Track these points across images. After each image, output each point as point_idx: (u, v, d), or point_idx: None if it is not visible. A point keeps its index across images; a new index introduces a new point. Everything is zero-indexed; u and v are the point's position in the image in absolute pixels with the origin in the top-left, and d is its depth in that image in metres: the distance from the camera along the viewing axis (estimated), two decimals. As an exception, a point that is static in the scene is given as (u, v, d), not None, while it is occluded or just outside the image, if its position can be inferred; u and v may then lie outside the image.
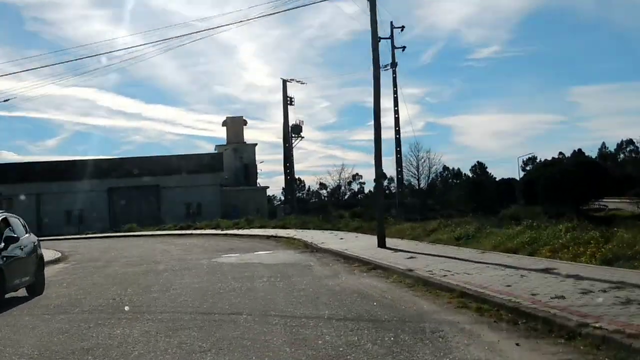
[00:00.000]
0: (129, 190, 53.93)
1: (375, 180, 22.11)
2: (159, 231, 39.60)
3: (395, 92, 46.66)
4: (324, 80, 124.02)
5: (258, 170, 69.86)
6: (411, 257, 12.58)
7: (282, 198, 77.77)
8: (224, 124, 70.86)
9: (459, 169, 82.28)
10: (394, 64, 44.73)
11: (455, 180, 78.01)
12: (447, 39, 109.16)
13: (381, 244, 15.89)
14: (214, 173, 56.42)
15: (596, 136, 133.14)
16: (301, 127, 59.64)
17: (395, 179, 54.06)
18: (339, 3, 72.41)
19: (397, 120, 47.03)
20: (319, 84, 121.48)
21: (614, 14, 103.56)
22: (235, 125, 69.49)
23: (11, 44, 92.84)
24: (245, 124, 71.41)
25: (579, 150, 69.66)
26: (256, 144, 69.78)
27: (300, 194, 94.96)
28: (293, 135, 58.14)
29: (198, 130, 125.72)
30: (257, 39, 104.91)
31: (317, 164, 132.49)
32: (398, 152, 47.36)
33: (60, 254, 22.42)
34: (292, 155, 57.66)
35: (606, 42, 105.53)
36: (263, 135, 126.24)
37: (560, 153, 74.93)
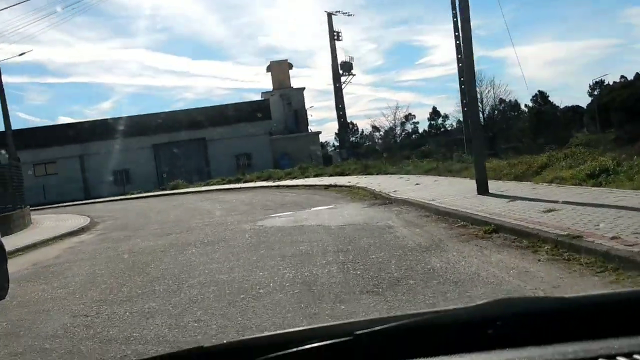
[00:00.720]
0: (175, 145, 50.96)
1: (467, 102, 17.71)
2: (206, 187, 36.34)
3: (454, 17, 41.32)
4: (369, 22, 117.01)
5: (308, 116, 65.81)
6: (548, 210, 8.29)
7: (336, 144, 73.82)
8: (269, 69, 66.67)
9: (516, 101, 75.55)
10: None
11: (513, 113, 72.09)
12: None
13: (482, 190, 11.63)
14: (262, 121, 52.60)
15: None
16: (351, 64, 54.99)
17: (462, 112, 49.01)
18: None
19: (458, 47, 41.69)
20: (363, 26, 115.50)
21: None
22: (280, 69, 65.15)
23: (60, 13, 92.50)
24: (291, 68, 66.92)
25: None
26: (304, 88, 65.41)
27: (354, 138, 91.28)
28: (343, 73, 53.54)
29: (246, 83, 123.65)
30: None
31: (366, 108, 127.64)
32: (462, 82, 42.27)
33: (88, 221, 19.16)
34: (343, 96, 53.28)
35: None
36: (310, 82, 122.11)
37: (623, 77, 67.45)
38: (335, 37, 51.13)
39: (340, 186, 20.48)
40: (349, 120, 71.74)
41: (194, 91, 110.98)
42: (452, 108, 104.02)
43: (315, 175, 29.98)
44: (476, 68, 13.78)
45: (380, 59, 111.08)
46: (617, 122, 53.81)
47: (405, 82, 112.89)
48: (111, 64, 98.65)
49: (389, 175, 22.23)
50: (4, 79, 25.21)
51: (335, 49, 51.03)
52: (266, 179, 34.48)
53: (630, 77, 65.22)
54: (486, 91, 47.25)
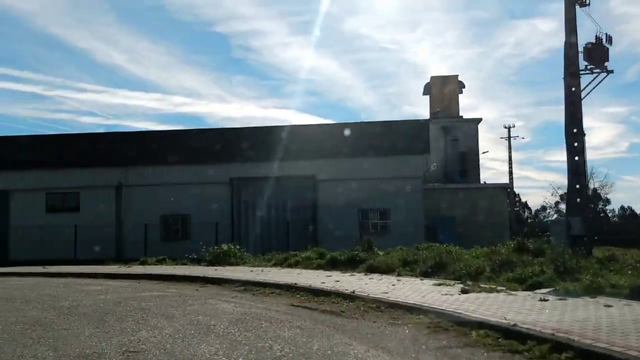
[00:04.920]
0: (261, 183, 30.65)
1: None
2: (288, 269, 15.29)
3: None
4: (518, 99, 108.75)
5: (481, 162, 43.01)
6: None
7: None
8: (427, 89, 45.33)
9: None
10: None
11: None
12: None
13: None
14: (412, 156, 30.74)
15: None
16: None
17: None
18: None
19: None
20: (511, 103, 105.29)
21: None
22: (445, 88, 43.46)
23: (220, 70, 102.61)
24: (463, 87, 44.92)
25: None
26: (479, 120, 42.84)
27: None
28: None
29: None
30: (448, 59, 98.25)
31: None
32: None
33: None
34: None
35: None
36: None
37: None
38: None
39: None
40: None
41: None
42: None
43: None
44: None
45: (527, 136, 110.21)
46: None
47: (553, 162, 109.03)
48: (261, 121, 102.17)
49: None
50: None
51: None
52: (425, 274, 12.41)
53: None
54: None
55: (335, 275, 13.84)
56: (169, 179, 30.89)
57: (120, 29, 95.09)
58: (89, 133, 34.24)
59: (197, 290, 12.83)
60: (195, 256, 19.87)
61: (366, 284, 11.81)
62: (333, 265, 15.45)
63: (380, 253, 16.27)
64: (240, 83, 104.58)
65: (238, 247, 19.73)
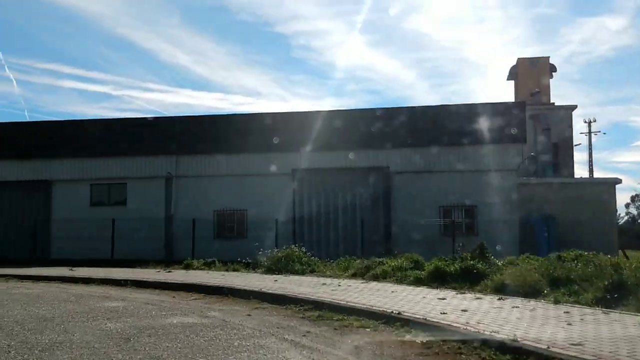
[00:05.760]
0: (326, 174, 26.60)
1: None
2: (374, 283, 11.06)
3: None
4: (583, 99, 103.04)
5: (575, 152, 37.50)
6: None
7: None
8: (512, 73, 40.16)
9: None
10: None
11: None
12: None
13: None
14: (505, 145, 25.94)
15: None
16: None
17: None
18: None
19: None
20: (575, 102, 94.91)
21: None
22: (534, 71, 38.23)
23: (280, 70, 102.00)
24: (554, 71, 39.54)
25: None
26: (574, 107, 37.39)
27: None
28: None
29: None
30: (511, 56, 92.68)
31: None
32: None
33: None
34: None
35: None
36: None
37: None
38: None
39: None
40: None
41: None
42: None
43: None
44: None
45: (592, 137, 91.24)
46: None
47: (619, 163, 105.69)
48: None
49: None
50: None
51: None
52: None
53: None
54: None
55: (451, 296, 9.58)
56: (224, 170, 27.23)
57: (184, 30, 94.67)
58: (138, 118, 30.95)
59: (249, 315, 8.84)
60: (250, 260, 15.99)
61: (518, 318, 7.45)
62: (437, 279, 11.18)
63: (498, 262, 11.88)
64: (300, 82, 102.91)
65: (303, 250, 15.66)
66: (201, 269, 16.85)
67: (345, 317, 8.30)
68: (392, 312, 8.17)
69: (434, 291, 10.35)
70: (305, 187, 26.94)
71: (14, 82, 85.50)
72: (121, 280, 13.77)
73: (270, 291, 10.81)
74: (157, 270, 16.88)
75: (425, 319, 7.59)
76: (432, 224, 25.45)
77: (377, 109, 28.46)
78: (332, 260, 17.18)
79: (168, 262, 20.94)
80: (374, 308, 8.56)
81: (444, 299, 9.45)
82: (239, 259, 17.13)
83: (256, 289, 11.03)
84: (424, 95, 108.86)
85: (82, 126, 28.67)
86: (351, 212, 26.41)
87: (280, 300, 10.07)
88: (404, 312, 8.15)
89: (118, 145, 27.60)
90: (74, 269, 17.72)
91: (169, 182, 27.57)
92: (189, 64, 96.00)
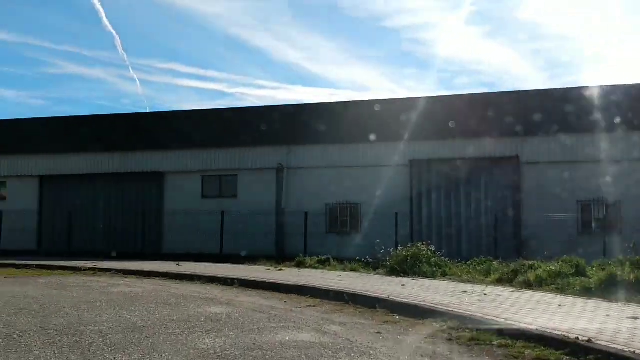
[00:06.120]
0: (447, 166, 24.20)
1: None
2: (530, 292, 8.88)
3: None
4: None
5: None
6: None
7: None
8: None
9: None
10: None
11: None
12: None
13: None
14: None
15: None
16: None
17: None
18: None
19: None
20: None
21: None
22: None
23: (389, 64, 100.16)
24: None
25: None
26: None
27: None
28: None
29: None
30: (633, 46, 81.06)
31: None
32: None
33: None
34: None
35: None
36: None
37: None
38: None
39: None
40: None
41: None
42: None
43: None
44: None
45: None
46: None
47: None
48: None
49: None
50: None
51: None
52: None
53: None
54: None
55: (647, 317, 7.20)
56: (336, 161, 25.61)
57: (295, 27, 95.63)
58: (249, 107, 29.97)
59: (378, 333, 6.94)
60: (370, 259, 14.16)
61: None
62: (610, 289, 8.73)
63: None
64: (410, 76, 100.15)
65: (432, 248, 13.54)
66: (315, 268, 15.25)
67: (510, 342, 6.20)
68: (578, 339, 5.97)
69: (615, 306, 7.95)
70: (424, 180, 24.68)
71: (138, 82, 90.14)
72: (228, 278, 12.40)
73: (399, 299, 8.87)
74: (267, 268, 15.48)
75: (635, 353, 5.34)
76: (568, 221, 22.37)
77: (504, 92, 25.59)
78: (460, 261, 14.98)
79: (278, 258, 19.61)
80: (548, 331, 6.38)
81: (636, 318, 7.08)
82: (355, 257, 15.36)
83: (383, 296, 9.13)
84: (539, 87, 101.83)
85: (193, 117, 28.13)
86: (475, 207, 23.84)
87: (415, 311, 8.11)
88: (594, 339, 5.92)
89: (229, 135, 26.75)
90: (180, 264, 16.74)
91: (280, 174, 26.30)
92: (299, 60, 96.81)
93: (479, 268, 12.68)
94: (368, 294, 9.45)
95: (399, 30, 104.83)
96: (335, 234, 24.81)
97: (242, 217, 25.08)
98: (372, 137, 24.68)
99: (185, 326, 7.14)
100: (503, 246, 21.64)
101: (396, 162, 24.73)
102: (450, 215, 24.02)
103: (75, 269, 15.91)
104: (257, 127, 26.70)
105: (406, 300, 8.71)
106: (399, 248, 13.64)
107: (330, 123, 25.57)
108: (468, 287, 10.38)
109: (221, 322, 7.44)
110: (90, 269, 15.75)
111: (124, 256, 21.39)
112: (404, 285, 10.73)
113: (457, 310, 7.81)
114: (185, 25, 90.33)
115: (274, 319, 7.81)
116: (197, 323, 7.37)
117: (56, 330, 6.78)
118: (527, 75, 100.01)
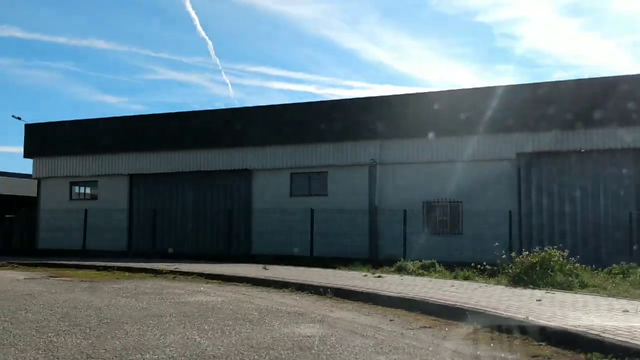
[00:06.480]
0: (560, 160, 21.40)
1: None
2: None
3: None
4: None
5: None
6: None
7: None
8: None
9: None
10: None
11: None
12: None
13: None
14: None
15: None
16: None
17: None
18: None
19: None
20: None
21: None
22: None
23: (482, 61, 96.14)
24: None
25: None
26: None
27: None
28: None
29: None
30: None
31: None
32: None
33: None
34: None
35: None
36: None
37: None
38: None
39: None
40: None
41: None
42: None
43: None
44: None
45: None
46: None
47: None
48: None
49: None
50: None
51: None
52: None
53: None
54: None
55: None
56: (434, 155, 23.43)
57: (383, 27, 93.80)
58: (338, 99, 28.23)
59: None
60: (487, 265, 12.02)
61: None
62: None
63: None
64: (505, 72, 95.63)
65: (565, 253, 11.18)
66: (419, 274, 13.25)
67: None
68: None
69: None
70: (535, 175, 22.07)
71: (230, 85, 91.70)
72: (320, 286, 10.69)
73: (543, 321, 6.76)
74: (364, 273, 13.62)
75: None
76: None
77: (618, 77, 22.41)
78: (594, 268, 12.54)
79: (373, 261, 17.78)
80: None
81: None
82: (460, 261, 13.27)
83: (518, 317, 7.04)
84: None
85: (280, 112, 26.76)
86: (592, 204, 20.99)
87: (569, 342, 6.01)
88: None
89: (318, 130, 25.16)
90: (267, 267, 15.25)
91: (372, 170, 24.45)
92: (388, 60, 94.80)
93: (630, 279, 10.23)
94: (498, 312, 7.38)
95: (492, 25, 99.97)
96: (435, 234, 22.65)
97: (332, 216, 23.47)
98: (473, 128, 22.37)
99: (267, 357, 5.43)
100: (621, 249, 19.06)
101: (501, 155, 22.32)
102: (563, 214, 21.30)
103: (156, 272, 14.81)
104: (349, 120, 24.99)
105: (553, 324, 6.58)
106: (524, 252, 11.39)
107: (425, 115, 23.41)
108: (626, 304, 8.08)
109: (313, 352, 5.67)
110: (171, 271, 14.58)
111: (209, 257, 20.32)
112: (539, 300, 8.55)
113: (633, 341, 5.64)
114: (274, 29, 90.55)
115: (380, 347, 5.97)
116: (282, 352, 5.65)
117: (104, 359, 5.28)
118: (629, 68, 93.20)
